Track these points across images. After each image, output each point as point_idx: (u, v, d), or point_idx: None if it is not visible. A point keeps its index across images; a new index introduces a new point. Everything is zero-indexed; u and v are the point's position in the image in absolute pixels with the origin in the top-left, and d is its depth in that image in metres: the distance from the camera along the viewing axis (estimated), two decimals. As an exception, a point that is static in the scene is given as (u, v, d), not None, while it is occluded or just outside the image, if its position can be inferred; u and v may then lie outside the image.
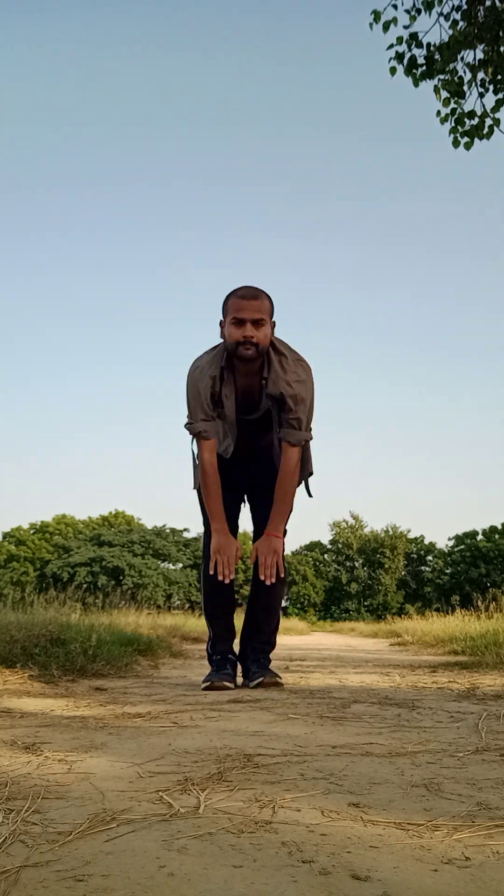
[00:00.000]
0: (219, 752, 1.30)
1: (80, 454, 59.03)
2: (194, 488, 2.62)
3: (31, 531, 44.07)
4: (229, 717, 1.74)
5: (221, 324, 2.46)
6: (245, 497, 2.74)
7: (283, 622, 16.39)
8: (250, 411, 2.50)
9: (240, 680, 2.66)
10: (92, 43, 52.01)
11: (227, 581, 2.44)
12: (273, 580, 2.41)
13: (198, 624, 8.25)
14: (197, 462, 2.54)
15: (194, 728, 1.58)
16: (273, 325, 2.44)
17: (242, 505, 2.75)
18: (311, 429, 2.49)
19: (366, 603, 41.14)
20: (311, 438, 2.50)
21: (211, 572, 2.44)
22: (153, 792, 1.00)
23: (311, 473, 2.61)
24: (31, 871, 0.70)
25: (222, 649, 2.60)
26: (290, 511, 2.49)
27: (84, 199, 55.72)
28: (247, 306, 2.35)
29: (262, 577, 2.42)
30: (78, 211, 56.27)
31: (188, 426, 2.48)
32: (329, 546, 44.90)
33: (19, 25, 48.69)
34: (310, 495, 2.63)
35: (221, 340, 2.47)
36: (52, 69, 52.65)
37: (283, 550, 2.47)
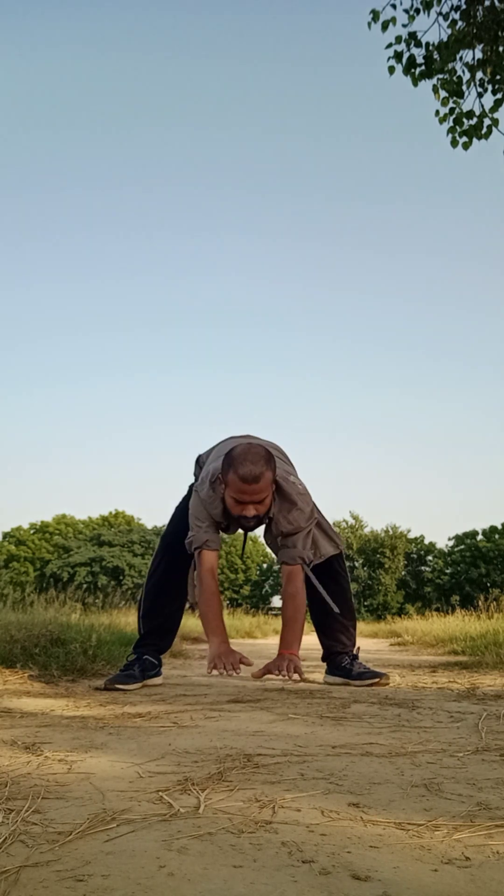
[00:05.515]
0: (219, 752, 1.30)
1: (80, 454, 59.04)
2: (190, 604, 2.61)
3: (31, 531, 44.07)
4: (229, 717, 1.74)
5: (222, 480, 2.35)
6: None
7: (283, 622, 16.38)
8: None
9: (242, 679, 2.66)
10: (91, 44, 52.01)
11: (233, 673, 2.30)
12: (295, 681, 2.35)
13: (198, 624, 8.24)
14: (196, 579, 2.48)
15: (194, 728, 1.58)
16: (274, 482, 2.35)
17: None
18: (310, 548, 2.49)
19: (366, 603, 41.12)
20: (311, 559, 2.50)
21: (208, 672, 2.29)
22: (153, 792, 1.00)
23: (339, 551, 2.67)
24: (31, 871, 0.70)
25: (138, 650, 2.58)
26: (302, 630, 2.44)
27: (85, 201, 55.73)
28: (248, 490, 2.26)
29: (284, 679, 2.37)
30: (80, 213, 56.27)
31: (191, 537, 2.45)
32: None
33: (19, 25, 48.69)
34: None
35: (220, 484, 2.38)
36: (52, 69, 52.65)
37: (300, 660, 2.38)
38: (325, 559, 2.65)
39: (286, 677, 2.31)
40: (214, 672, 2.25)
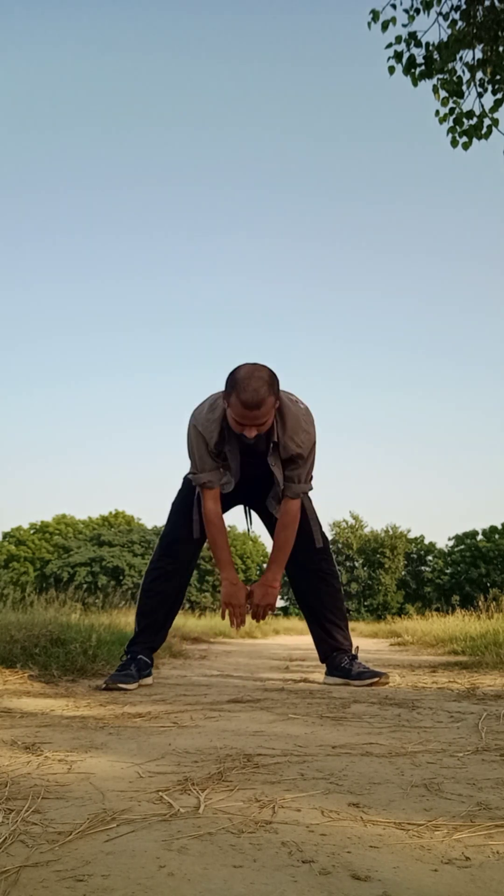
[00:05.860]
0: (219, 752, 1.30)
1: (80, 454, 59.06)
2: (195, 537, 2.63)
3: (31, 531, 44.06)
4: (229, 717, 1.74)
5: (224, 398, 2.34)
6: (246, 506, 2.82)
7: (283, 622, 16.31)
8: (254, 463, 2.52)
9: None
10: (91, 44, 52.03)
11: (236, 628, 2.61)
12: (261, 619, 2.61)
13: (198, 624, 8.25)
14: (201, 512, 2.56)
15: (194, 728, 1.58)
16: (277, 403, 2.34)
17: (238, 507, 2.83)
18: (311, 478, 2.55)
19: (366, 603, 41.11)
20: (311, 489, 2.58)
21: (223, 619, 2.60)
22: (153, 792, 1.00)
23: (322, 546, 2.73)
24: (31, 871, 0.70)
25: (132, 649, 2.62)
26: (286, 558, 2.58)
27: (85, 201, 55.73)
28: (249, 415, 2.26)
29: (252, 618, 2.60)
30: (80, 213, 56.27)
31: (192, 476, 2.52)
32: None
33: (19, 26, 48.69)
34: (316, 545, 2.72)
35: (223, 400, 2.37)
36: (52, 69, 52.65)
37: (278, 593, 2.61)
38: (314, 563, 2.71)
39: (256, 619, 2.60)
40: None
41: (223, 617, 2.60)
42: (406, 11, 4.78)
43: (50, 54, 51.96)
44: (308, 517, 2.70)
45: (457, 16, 4.78)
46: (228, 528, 2.89)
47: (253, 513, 2.83)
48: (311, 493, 2.66)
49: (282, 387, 2.37)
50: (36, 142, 54.43)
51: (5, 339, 56.93)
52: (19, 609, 4.40)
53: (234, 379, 2.28)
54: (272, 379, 2.30)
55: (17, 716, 1.76)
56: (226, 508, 2.67)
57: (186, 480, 2.68)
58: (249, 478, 2.55)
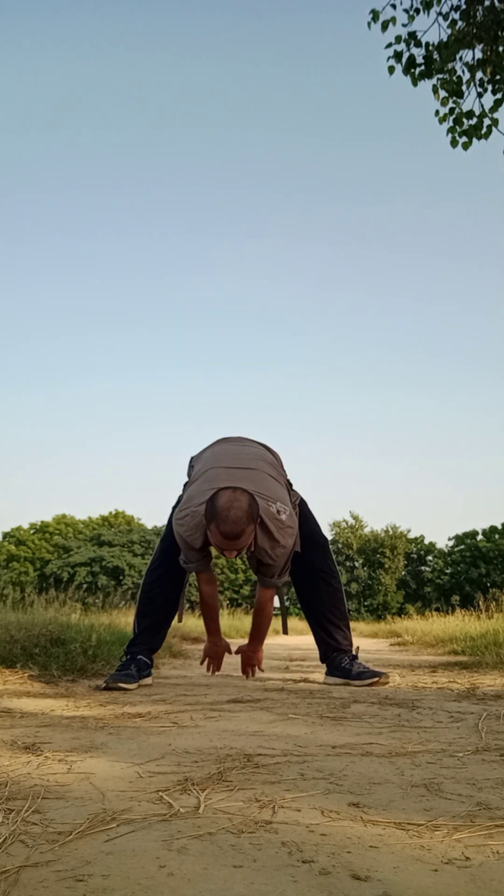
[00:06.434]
0: (219, 752, 1.30)
1: (80, 454, 59.03)
2: (179, 622, 2.85)
3: (31, 531, 44.06)
4: (229, 717, 1.74)
5: (205, 520, 2.36)
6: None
7: (283, 622, 16.31)
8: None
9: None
10: (91, 44, 52.02)
11: (212, 673, 2.77)
12: (251, 677, 2.82)
13: (198, 624, 8.25)
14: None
15: (194, 728, 1.58)
16: (256, 526, 2.36)
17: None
18: (286, 573, 2.63)
19: (366, 603, 41.10)
20: (283, 581, 2.67)
21: (205, 670, 2.78)
22: (153, 792, 1.00)
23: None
24: (31, 871, 0.70)
25: (132, 650, 2.66)
26: (265, 634, 2.75)
27: (85, 201, 55.74)
28: (229, 545, 2.30)
29: (242, 675, 2.81)
30: (80, 213, 56.27)
31: (183, 564, 2.61)
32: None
33: (19, 25, 48.70)
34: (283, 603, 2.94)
35: (204, 521, 2.39)
36: (52, 69, 52.66)
37: (262, 658, 2.81)
38: (313, 564, 2.74)
39: (246, 677, 2.80)
40: (203, 667, 2.80)
41: (202, 663, 2.81)
42: (406, 11, 4.77)
43: (50, 54, 51.96)
44: (308, 519, 2.74)
45: (457, 16, 4.78)
46: None
47: None
48: (309, 494, 2.69)
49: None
50: (36, 142, 54.42)
51: (5, 339, 56.95)
52: (19, 609, 4.40)
53: (213, 507, 2.30)
54: (251, 506, 2.32)
55: (17, 716, 1.76)
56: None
57: (185, 486, 2.70)
58: None
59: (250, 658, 2.77)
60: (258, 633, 2.74)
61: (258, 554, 2.48)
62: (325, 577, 2.77)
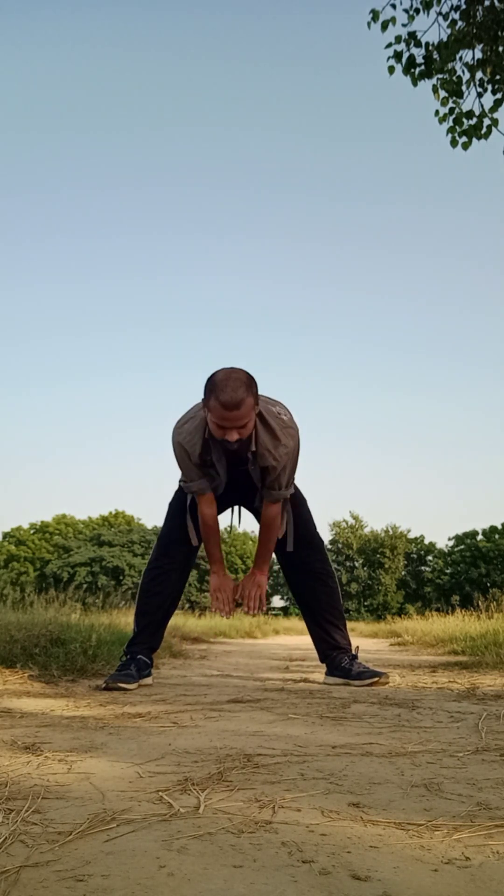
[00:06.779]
0: (219, 752, 1.30)
1: (80, 454, 59.04)
2: (194, 545, 2.69)
3: (31, 531, 44.06)
4: (229, 717, 1.74)
5: (204, 405, 2.36)
6: (239, 506, 2.84)
7: (283, 622, 16.28)
8: (239, 468, 2.56)
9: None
10: (91, 44, 52.02)
11: (226, 617, 2.67)
12: (256, 611, 2.66)
13: (198, 624, 8.25)
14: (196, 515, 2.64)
15: (194, 728, 1.58)
16: (256, 406, 2.36)
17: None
18: (292, 483, 2.60)
19: (366, 603, 41.10)
20: (290, 494, 2.62)
21: (212, 610, 2.65)
22: (153, 792, 1.00)
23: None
24: (31, 871, 0.70)
25: (131, 649, 2.64)
26: (271, 555, 2.69)
27: (85, 201, 55.72)
28: (229, 416, 2.26)
29: (245, 610, 2.66)
30: (80, 213, 56.26)
31: (184, 486, 2.59)
32: (329, 546, 44.89)
33: (19, 25, 48.68)
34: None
35: (203, 409, 2.39)
36: (52, 69, 52.64)
37: (266, 586, 2.69)
38: (309, 565, 2.74)
39: (249, 611, 2.64)
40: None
41: (212, 609, 2.68)
42: (406, 11, 4.77)
43: (50, 54, 51.98)
44: (304, 519, 2.74)
45: (456, 16, 4.78)
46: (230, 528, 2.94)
47: (244, 510, 2.85)
48: (309, 494, 2.68)
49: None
50: (36, 142, 54.46)
51: (5, 339, 56.95)
52: (19, 609, 4.40)
53: (211, 382, 2.30)
54: (250, 381, 2.31)
55: (17, 716, 1.76)
56: (220, 510, 2.72)
57: (180, 482, 2.70)
58: (237, 480, 2.59)
59: (253, 585, 2.66)
60: (265, 551, 2.66)
61: (261, 457, 2.44)
62: (323, 578, 2.77)
